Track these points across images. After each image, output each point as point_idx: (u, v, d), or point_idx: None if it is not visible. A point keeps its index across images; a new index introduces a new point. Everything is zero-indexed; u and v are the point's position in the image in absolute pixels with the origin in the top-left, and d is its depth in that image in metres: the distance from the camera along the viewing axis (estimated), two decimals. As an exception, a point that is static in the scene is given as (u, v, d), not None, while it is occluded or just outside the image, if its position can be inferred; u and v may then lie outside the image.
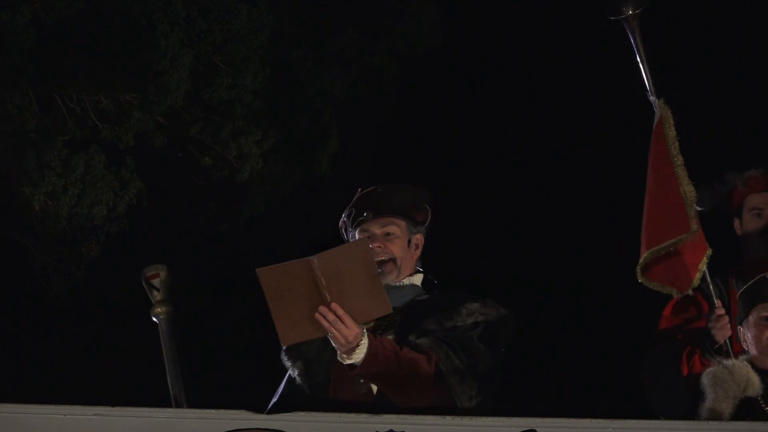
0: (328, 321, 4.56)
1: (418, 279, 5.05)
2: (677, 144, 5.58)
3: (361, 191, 5.10)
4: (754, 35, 14.44)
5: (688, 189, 5.52)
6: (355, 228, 5.04)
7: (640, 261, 5.59)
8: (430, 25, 14.63)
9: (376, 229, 4.99)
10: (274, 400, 4.95)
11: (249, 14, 12.88)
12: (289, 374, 4.97)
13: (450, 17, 14.88)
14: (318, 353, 4.92)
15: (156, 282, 5.19)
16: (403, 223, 5.04)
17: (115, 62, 12.10)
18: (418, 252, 5.09)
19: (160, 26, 12.14)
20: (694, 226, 5.49)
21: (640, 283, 5.71)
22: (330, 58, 14.19)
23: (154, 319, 5.14)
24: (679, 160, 5.55)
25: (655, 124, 5.66)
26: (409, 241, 5.03)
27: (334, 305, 4.55)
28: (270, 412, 4.56)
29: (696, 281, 5.55)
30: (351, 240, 5.01)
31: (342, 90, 14.29)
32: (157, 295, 5.17)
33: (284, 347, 5.00)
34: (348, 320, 4.56)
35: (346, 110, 14.37)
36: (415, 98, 15.21)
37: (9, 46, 11.72)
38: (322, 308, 4.56)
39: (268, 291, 4.57)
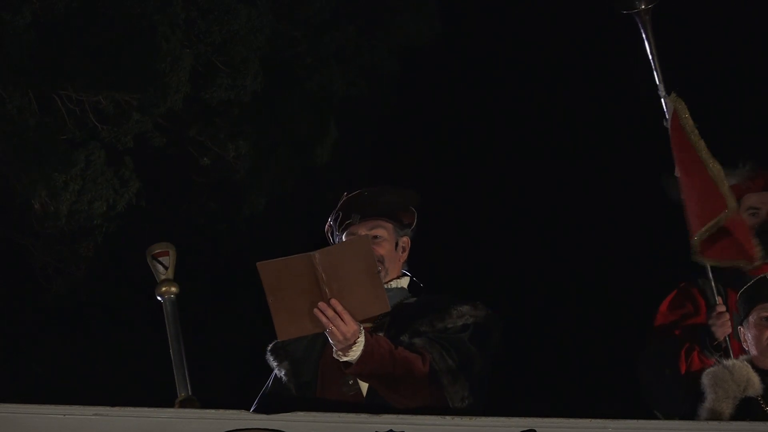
0: (326, 317, 4.56)
1: (405, 282, 5.04)
2: (696, 131, 5.57)
3: (347, 195, 5.08)
4: (762, 33, 14.44)
5: (714, 167, 5.51)
6: (342, 231, 5.01)
7: (694, 247, 5.54)
8: (429, 20, 14.63)
9: (364, 232, 4.95)
10: (258, 399, 4.95)
11: (248, 15, 12.89)
12: (275, 374, 4.97)
13: (449, 11, 14.87)
14: (305, 353, 4.92)
15: (165, 260, 5.11)
16: (390, 226, 5.01)
17: (115, 63, 12.11)
18: (405, 255, 5.06)
19: (161, 28, 12.14)
20: (731, 202, 5.48)
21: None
22: (328, 55, 14.20)
23: (159, 298, 5.06)
24: (701, 144, 5.54)
25: (671, 119, 5.64)
26: (396, 244, 5.01)
27: (333, 301, 4.55)
28: (256, 411, 4.56)
29: (758, 253, 5.53)
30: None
31: (341, 86, 14.30)
32: (164, 274, 5.08)
33: (269, 348, 4.99)
34: (347, 317, 4.56)
35: (345, 106, 14.38)
36: (414, 93, 15.20)
37: (9, 46, 11.73)
38: (321, 304, 4.56)
39: (268, 285, 4.57)
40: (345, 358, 4.63)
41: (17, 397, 4.60)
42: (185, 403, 4.81)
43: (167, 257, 5.07)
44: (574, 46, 15.15)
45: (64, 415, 4.45)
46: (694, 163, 5.55)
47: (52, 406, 4.47)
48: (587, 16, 13.80)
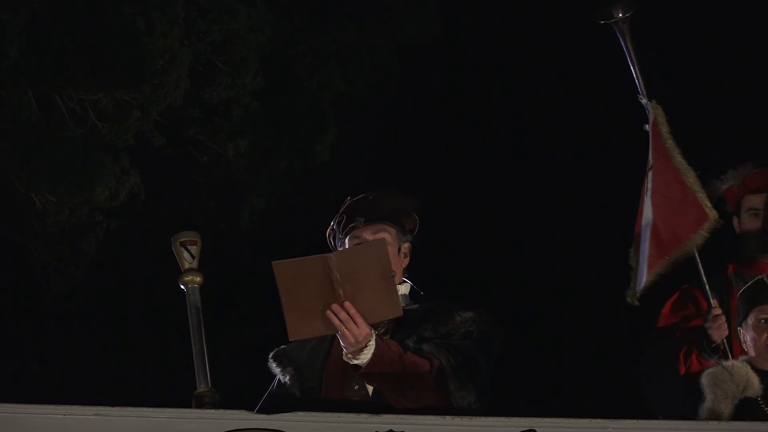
0: (339, 319, 4.56)
1: (405, 288, 5.02)
2: (672, 140, 5.59)
3: (350, 198, 5.07)
4: (744, 35, 14.45)
5: (690, 176, 5.51)
6: (345, 235, 4.98)
7: (659, 269, 5.53)
8: (429, 19, 14.62)
9: (368, 236, 4.93)
10: (263, 401, 4.95)
11: (248, 14, 12.89)
12: (279, 379, 4.96)
13: (449, 11, 14.86)
14: (309, 359, 4.91)
15: (193, 249, 5.09)
16: (393, 231, 4.98)
17: (114, 62, 12.10)
18: (407, 261, 5.03)
19: (159, 26, 12.15)
20: (713, 212, 5.48)
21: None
22: (328, 54, 14.19)
23: (183, 287, 5.03)
24: (677, 152, 5.55)
25: (651, 125, 5.66)
26: (399, 249, 5.00)
27: (346, 304, 4.55)
28: (260, 412, 4.56)
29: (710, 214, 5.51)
30: (339, 248, 4.97)
31: (341, 85, 14.29)
32: (192, 263, 5.05)
33: (272, 355, 4.99)
34: (359, 320, 4.56)
35: (345, 106, 14.37)
36: (415, 93, 15.19)
37: (9, 46, 11.73)
38: (334, 306, 4.55)
39: (282, 284, 4.55)
40: (355, 361, 4.64)
41: (17, 397, 4.60)
42: (205, 396, 4.81)
43: (195, 247, 5.07)
44: (575, 46, 15.13)
45: (64, 415, 4.45)
46: (669, 171, 5.56)
47: (52, 406, 4.47)
48: (588, 15, 13.77)
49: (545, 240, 15.38)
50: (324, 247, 5.01)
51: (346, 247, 4.92)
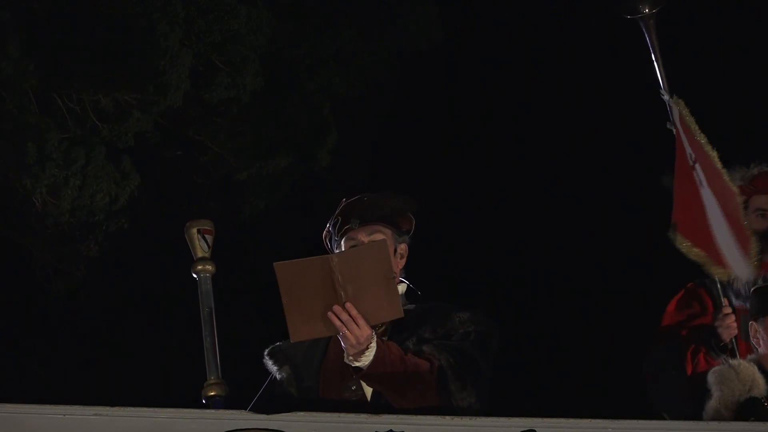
0: (341, 320, 4.55)
1: (402, 288, 5.00)
2: (704, 135, 5.58)
3: (345, 200, 5.05)
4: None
5: (728, 177, 5.53)
6: (341, 237, 4.95)
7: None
8: (429, 22, 14.63)
9: (364, 237, 4.91)
10: (257, 398, 4.94)
11: (248, 14, 12.90)
12: (276, 376, 4.95)
13: (449, 16, 14.87)
14: (306, 358, 4.90)
15: (209, 238, 5.07)
16: (389, 232, 4.96)
17: (114, 62, 12.11)
18: (403, 261, 5.01)
19: (160, 26, 12.15)
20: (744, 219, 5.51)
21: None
22: (328, 56, 14.20)
23: (195, 275, 5.01)
24: (710, 147, 5.55)
25: (678, 122, 5.62)
26: (395, 250, 4.98)
27: (348, 305, 4.54)
28: (254, 409, 4.56)
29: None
30: (336, 250, 4.96)
31: (341, 88, 14.30)
32: (206, 252, 5.03)
33: (267, 351, 4.97)
34: (361, 321, 4.55)
35: (345, 108, 14.37)
36: (414, 96, 15.20)
37: (9, 45, 11.73)
38: (336, 307, 4.54)
39: (283, 286, 4.54)
40: (357, 363, 4.63)
41: (17, 397, 4.60)
42: (215, 387, 4.80)
43: (210, 236, 5.05)
44: (575, 51, 15.15)
45: (64, 415, 4.44)
46: (707, 162, 5.54)
47: (52, 406, 4.46)
48: (588, 22, 13.80)
49: (544, 240, 15.39)
50: (324, 248, 5.00)
51: (342, 249, 4.91)
